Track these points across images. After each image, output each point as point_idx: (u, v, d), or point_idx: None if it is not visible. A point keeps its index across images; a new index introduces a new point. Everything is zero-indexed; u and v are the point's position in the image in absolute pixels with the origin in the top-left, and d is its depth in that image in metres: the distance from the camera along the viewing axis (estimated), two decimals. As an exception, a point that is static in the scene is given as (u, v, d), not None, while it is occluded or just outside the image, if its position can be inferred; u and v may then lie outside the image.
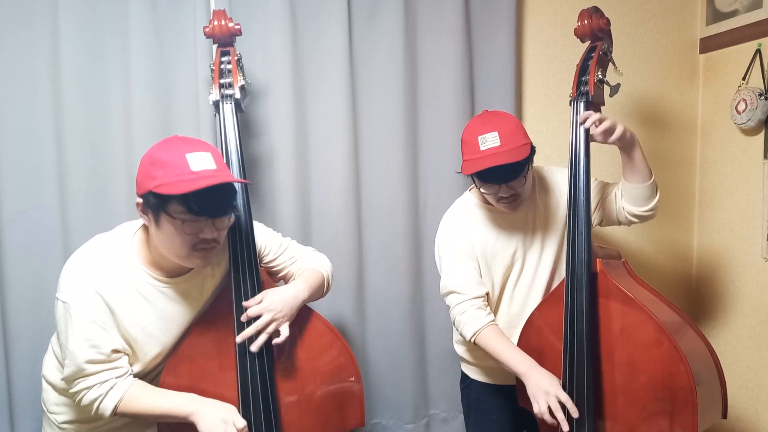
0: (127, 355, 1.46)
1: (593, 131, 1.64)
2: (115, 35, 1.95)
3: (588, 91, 1.68)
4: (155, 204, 1.34)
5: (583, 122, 1.65)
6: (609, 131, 1.62)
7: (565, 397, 1.58)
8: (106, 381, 1.40)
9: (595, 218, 1.80)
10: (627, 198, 1.73)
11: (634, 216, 1.74)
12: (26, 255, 1.93)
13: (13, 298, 1.92)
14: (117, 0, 1.94)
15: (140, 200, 1.38)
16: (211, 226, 1.38)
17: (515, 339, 1.78)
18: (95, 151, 1.96)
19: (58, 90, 1.92)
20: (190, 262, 1.43)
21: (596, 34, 1.76)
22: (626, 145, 1.66)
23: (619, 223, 1.80)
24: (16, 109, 1.91)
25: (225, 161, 1.63)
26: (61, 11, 1.89)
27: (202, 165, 1.33)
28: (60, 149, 1.93)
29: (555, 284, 1.78)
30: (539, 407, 1.58)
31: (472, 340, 1.71)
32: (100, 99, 1.96)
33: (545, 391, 1.59)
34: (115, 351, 1.41)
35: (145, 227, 1.46)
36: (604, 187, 1.82)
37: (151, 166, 1.34)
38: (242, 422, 1.43)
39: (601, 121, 1.62)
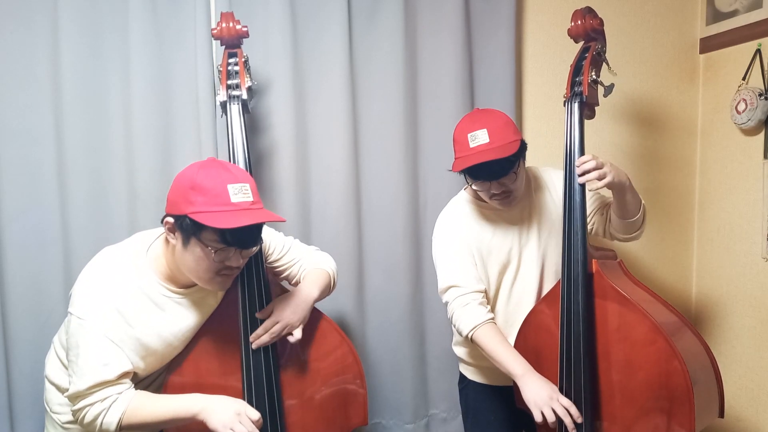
0: (136, 373, 1.46)
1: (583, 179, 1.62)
2: (115, 35, 1.95)
3: (582, 92, 1.68)
4: (189, 228, 1.35)
5: (580, 174, 1.61)
6: (599, 177, 1.60)
7: (567, 402, 1.58)
8: (108, 397, 1.39)
9: (589, 227, 1.82)
10: (612, 224, 1.79)
11: (617, 239, 1.82)
12: (26, 255, 1.93)
13: (13, 298, 1.92)
14: (117, -1, 1.94)
15: (171, 219, 1.38)
16: (238, 255, 1.41)
17: (512, 337, 1.78)
18: (95, 151, 1.96)
19: (58, 90, 1.91)
20: (211, 285, 1.45)
21: (590, 34, 1.76)
22: (616, 189, 1.66)
23: (605, 238, 1.86)
24: (16, 109, 1.91)
25: (232, 161, 1.66)
26: (61, 11, 1.89)
27: (240, 197, 1.35)
28: (60, 149, 1.93)
29: (552, 282, 1.78)
30: (548, 414, 1.57)
31: (470, 336, 1.70)
32: (100, 99, 1.96)
33: (549, 397, 1.58)
34: (124, 374, 1.41)
35: (166, 240, 1.46)
36: (603, 202, 1.84)
37: (191, 190, 1.34)
38: (256, 414, 1.43)
39: (593, 168, 1.59)
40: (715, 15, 2.34)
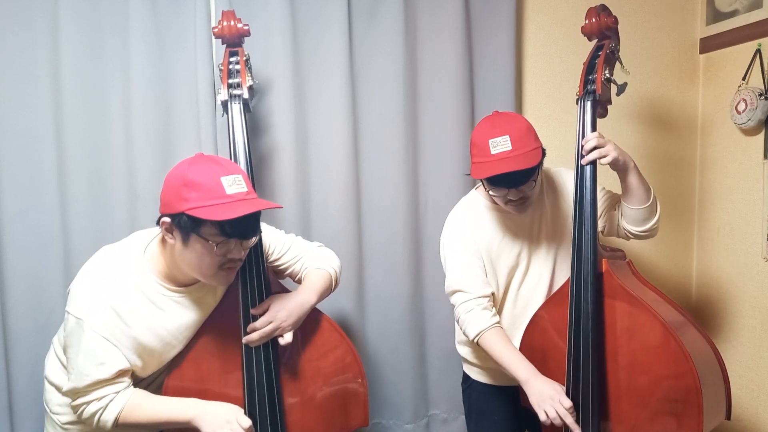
0: (133, 371, 1.46)
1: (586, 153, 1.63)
2: (115, 35, 1.95)
3: (595, 90, 1.66)
4: (188, 225, 1.35)
5: (586, 153, 1.63)
6: (600, 156, 1.60)
7: (568, 403, 1.58)
8: (105, 396, 1.41)
9: (599, 226, 1.79)
10: (624, 216, 1.74)
11: (631, 234, 1.75)
12: (26, 255, 1.93)
13: (13, 298, 1.92)
14: (117, -1, 1.94)
15: (167, 219, 1.37)
16: (239, 246, 1.41)
17: (517, 339, 1.78)
18: (95, 151, 1.96)
19: (58, 89, 1.91)
20: (215, 280, 1.45)
21: (604, 32, 1.75)
22: (619, 169, 1.65)
23: (619, 236, 1.80)
24: (16, 109, 1.91)
25: (233, 161, 1.65)
26: (61, 11, 1.89)
27: (235, 188, 1.35)
28: (60, 149, 1.93)
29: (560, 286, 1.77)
30: (548, 414, 1.57)
31: (475, 341, 1.71)
32: (100, 99, 1.96)
33: (550, 397, 1.58)
34: (121, 373, 1.42)
35: (162, 240, 1.45)
36: (613, 198, 1.81)
37: (183, 187, 1.34)
38: (247, 421, 1.43)
39: (596, 147, 1.61)
40: (715, 15, 2.34)
